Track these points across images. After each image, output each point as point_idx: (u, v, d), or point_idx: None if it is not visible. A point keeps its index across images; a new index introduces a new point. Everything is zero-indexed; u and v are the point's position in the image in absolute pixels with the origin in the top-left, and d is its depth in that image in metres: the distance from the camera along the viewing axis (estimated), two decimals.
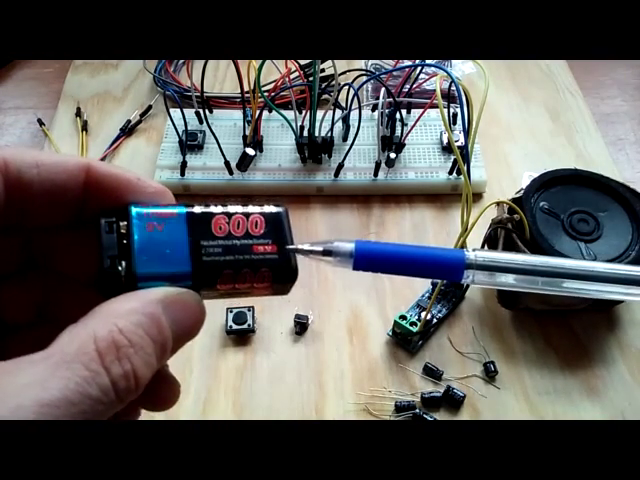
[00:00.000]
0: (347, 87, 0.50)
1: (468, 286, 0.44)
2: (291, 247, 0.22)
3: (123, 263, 0.19)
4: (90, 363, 0.16)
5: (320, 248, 0.23)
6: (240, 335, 0.43)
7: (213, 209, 0.21)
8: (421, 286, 0.45)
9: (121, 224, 0.20)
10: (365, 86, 0.58)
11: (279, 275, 0.21)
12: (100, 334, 0.17)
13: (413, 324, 0.41)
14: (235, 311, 0.43)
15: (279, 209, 0.22)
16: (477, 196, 0.51)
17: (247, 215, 0.21)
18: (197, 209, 0.21)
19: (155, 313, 0.18)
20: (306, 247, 0.22)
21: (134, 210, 0.20)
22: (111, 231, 0.20)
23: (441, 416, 0.39)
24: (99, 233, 0.20)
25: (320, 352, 0.42)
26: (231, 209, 0.21)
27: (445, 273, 0.23)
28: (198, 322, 0.20)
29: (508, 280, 0.23)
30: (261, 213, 0.22)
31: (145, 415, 0.24)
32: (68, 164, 0.20)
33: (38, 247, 0.22)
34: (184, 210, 0.21)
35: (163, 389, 0.21)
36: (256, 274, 0.21)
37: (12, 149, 0.20)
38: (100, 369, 0.16)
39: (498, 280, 0.23)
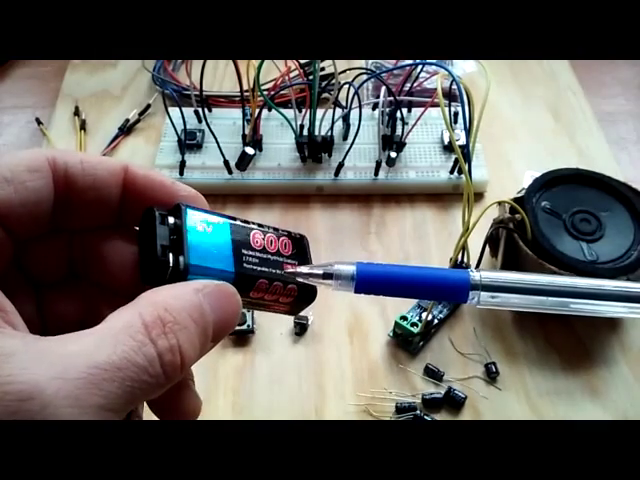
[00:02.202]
0: (347, 86, 0.49)
1: None
2: (290, 270, 0.23)
3: (170, 255, 0.20)
4: (136, 334, 0.17)
5: (320, 271, 0.22)
6: (239, 336, 0.42)
7: (251, 224, 0.23)
8: None
9: (170, 220, 0.21)
10: (365, 85, 0.57)
11: (303, 293, 0.23)
12: (146, 311, 0.18)
13: (414, 325, 0.41)
14: None
15: (302, 235, 0.25)
16: (478, 196, 0.50)
17: (278, 236, 0.24)
18: (238, 221, 0.23)
19: (197, 299, 0.19)
20: (305, 270, 0.23)
21: (187, 209, 0.21)
22: (163, 223, 0.21)
23: (442, 417, 0.39)
24: (152, 224, 0.20)
25: (320, 353, 0.42)
26: (265, 227, 0.24)
27: (450, 295, 0.23)
28: (235, 313, 0.20)
29: (514, 301, 0.23)
30: (288, 236, 0.24)
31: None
32: (109, 162, 0.21)
33: (79, 246, 0.23)
34: (228, 220, 0.22)
35: (188, 403, 0.22)
36: (285, 288, 0.23)
37: (58, 150, 0.20)
38: (146, 340, 0.17)
39: (503, 301, 0.22)
